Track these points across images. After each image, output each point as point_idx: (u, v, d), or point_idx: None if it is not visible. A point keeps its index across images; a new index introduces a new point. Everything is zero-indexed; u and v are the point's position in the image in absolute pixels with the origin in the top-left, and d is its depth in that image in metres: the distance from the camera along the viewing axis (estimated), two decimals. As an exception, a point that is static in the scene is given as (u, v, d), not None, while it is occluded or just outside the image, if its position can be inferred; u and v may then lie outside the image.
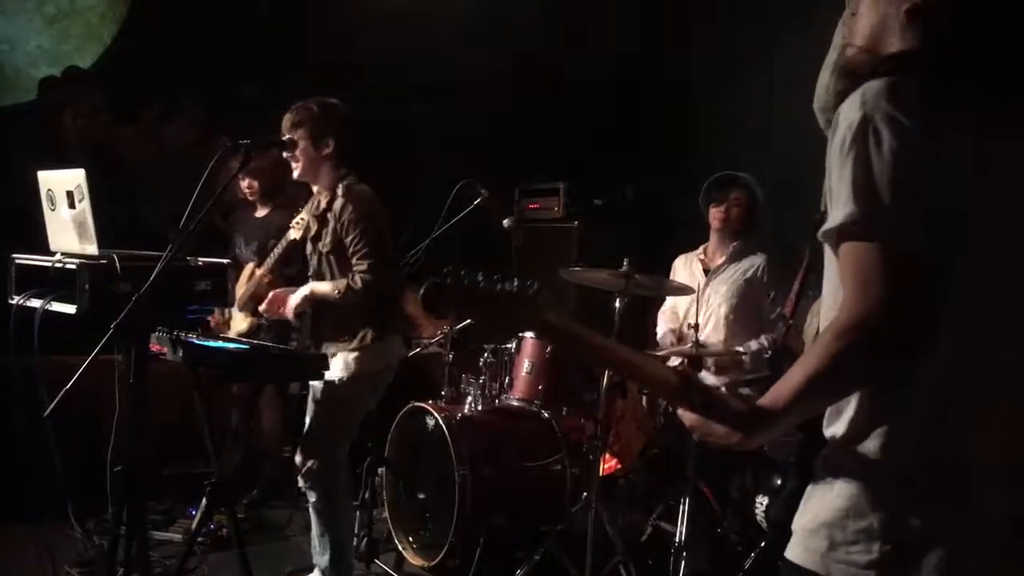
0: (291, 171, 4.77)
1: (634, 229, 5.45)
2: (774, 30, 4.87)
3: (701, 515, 3.42)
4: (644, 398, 3.60)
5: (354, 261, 3.14)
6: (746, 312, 3.92)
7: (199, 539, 3.30)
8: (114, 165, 5.05)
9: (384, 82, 5.31)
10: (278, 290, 3.42)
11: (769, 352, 3.77)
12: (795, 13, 4.56)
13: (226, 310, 4.16)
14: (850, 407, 1.30)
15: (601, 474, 3.37)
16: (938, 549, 1.23)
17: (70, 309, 2.51)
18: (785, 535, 1.38)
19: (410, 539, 3.82)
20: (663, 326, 4.14)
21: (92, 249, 2.57)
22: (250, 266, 4.12)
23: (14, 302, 2.69)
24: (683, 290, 3.79)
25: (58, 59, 5.76)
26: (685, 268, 4.13)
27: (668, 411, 3.62)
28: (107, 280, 2.48)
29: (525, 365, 3.98)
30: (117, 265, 2.48)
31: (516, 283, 1.42)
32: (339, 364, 3.18)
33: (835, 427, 1.33)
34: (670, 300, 4.20)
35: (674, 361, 3.87)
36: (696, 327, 3.51)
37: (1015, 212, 1.25)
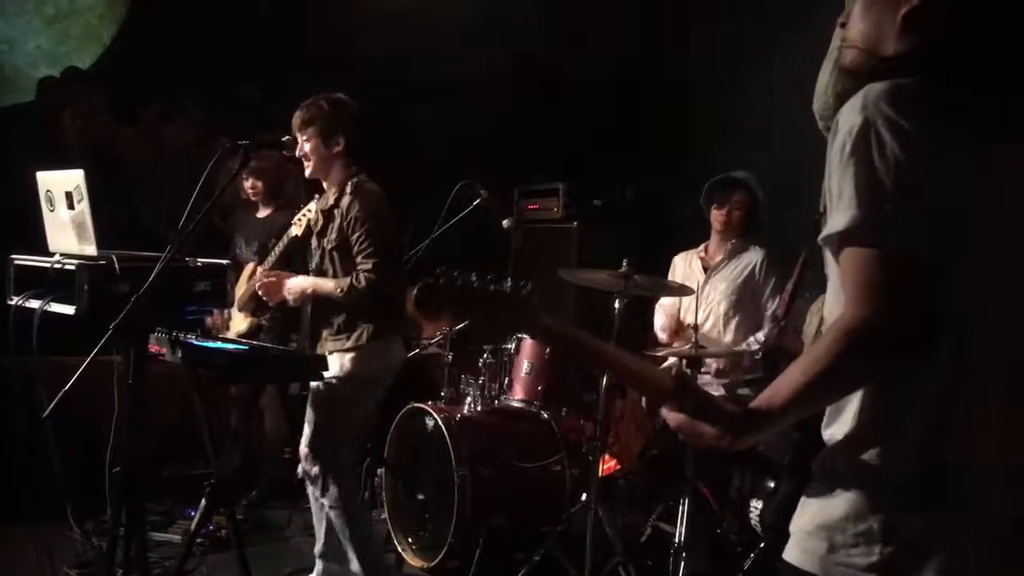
0: (293, 172, 4.79)
1: (634, 229, 5.45)
2: (774, 30, 4.87)
3: (700, 516, 3.41)
4: (644, 399, 3.59)
5: (359, 260, 3.12)
6: (745, 309, 3.93)
7: (198, 540, 3.30)
8: (113, 166, 5.05)
9: (384, 82, 5.30)
10: (277, 273, 3.38)
11: (759, 352, 3.78)
12: (795, 13, 4.55)
13: (225, 310, 4.16)
14: (850, 408, 1.30)
15: (600, 475, 3.37)
16: (939, 551, 1.22)
17: (69, 310, 2.51)
18: (782, 538, 1.38)
19: (409, 540, 3.81)
20: (659, 319, 4.14)
21: (91, 250, 2.57)
22: (250, 266, 4.12)
23: (13, 303, 2.69)
24: (682, 290, 3.80)
25: (57, 60, 5.75)
26: (685, 266, 4.14)
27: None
28: (106, 281, 2.47)
29: (524, 366, 3.98)
30: (116, 266, 2.48)
31: (509, 284, 1.42)
32: (336, 364, 3.17)
33: (834, 428, 1.33)
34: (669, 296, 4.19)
35: (672, 360, 3.87)
36: (696, 327, 3.51)
37: (1015, 214, 1.25)
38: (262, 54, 5.76)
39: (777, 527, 1.42)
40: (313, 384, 3.20)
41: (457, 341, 4.18)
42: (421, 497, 3.80)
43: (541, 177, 5.69)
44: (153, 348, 2.81)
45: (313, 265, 3.33)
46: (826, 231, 1.26)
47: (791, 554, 1.35)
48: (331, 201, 3.23)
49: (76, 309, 2.49)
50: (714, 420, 1.30)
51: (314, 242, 3.31)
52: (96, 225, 2.56)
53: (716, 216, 4.02)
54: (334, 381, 3.16)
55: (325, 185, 3.30)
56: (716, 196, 4.01)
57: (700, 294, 3.68)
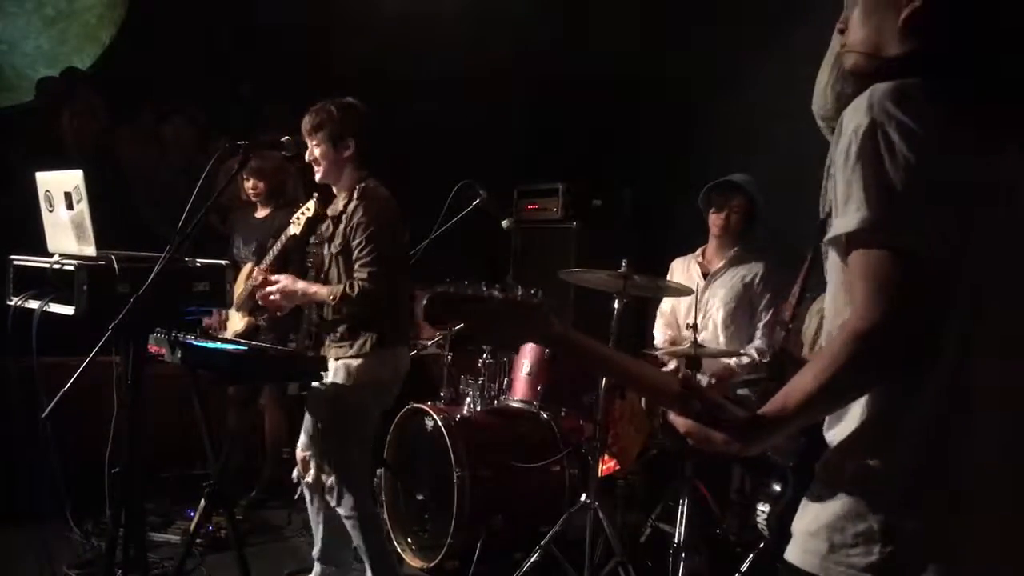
0: (292, 172, 4.78)
1: (633, 230, 5.45)
2: (774, 30, 4.86)
3: (700, 516, 3.41)
4: (643, 399, 3.59)
5: (356, 267, 3.08)
6: (742, 318, 3.93)
7: (197, 540, 3.30)
8: (112, 166, 5.04)
9: (383, 81, 5.30)
10: (274, 277, 3.35)
11: (763, 359, 3.77)
12: (795, 13, 4.55)
13: (223, 310, 4.16)
14: (851, 410, 1.30)
15: (600, 475, 3.37)
16: (939, 552, 1.22)
17: (68, 310, 2.50)
18: (787, 540, 1.38)
19: (409, 540, 3.82)
20: (660, 330, 4.14)
21: (90, 250, 2.57)
22: (248, 266, 4.12)
23: (12, 303, 2.68)
24: (681, 290, 3.79)
25: (56, 60, 5.75)
26: (683, 271, 4.13)
27: (667, 412, 3.61)
28: (105, 281, 2.47)
29: (524, 366, 3.99)
30: (115, 266, 2.48)
31: (520, 292, 1.41)
32: (342, 372, 3.13)
33: (836, 429, 1.33)
34: (669, 301, 4.19)
35: (672, 362, 3.87)
36: (695, 327, 3.51)
37: (1016, 214, 1.25)
38: (261, 54, 5.76)
39: (783, 530, 1.41)
40: (319, 391, 3.17)
41: (457, 341, 4.18)
42: (420, 497, 3.80)
43: (541, 177, 5.69)
44: (152, 348, 2.81)
45: (322, 271, 3.29)
46: (833, 232, 1.25)
47: (792, 554, 1.35)
48: (340, 207, 3.19)
49: (75, 309, 2.48)
50: (723, 425, 1.29)
51: (326, 248, 3.26)
52: (95, 225, 2.56)
53: (714, 220, 4.01)
54: (341, 390, 3.11)
55: (335, 190, 3.26)
56: (714, 200, 3.99)
57: (699, 300, 3.68)
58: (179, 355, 2.77)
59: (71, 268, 2.52)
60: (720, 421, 1.29)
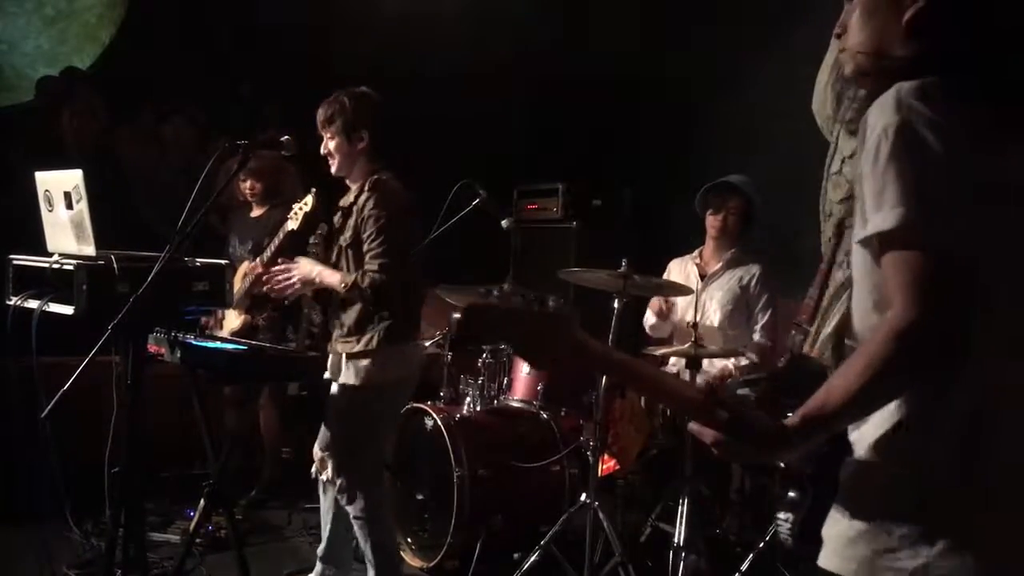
0: (290, 171, 4.77)
1: (633, 230, 5.45)
2: (774, 30, 4.86)
3: (699, 515, 3.41)
4: (643, 399, 3.59)
5: (367, 259, 3.01)
6: (740, 320, 3.93)
7: (197, 540, 3.30)
8: (112, 166, 5.04)
9: (383, 81, 5.30)
10: (298, 259, 3.25)
11: (761, 359, 3.77)
12: (794, 13, 4.55)
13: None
14: (881, 411, 1.28)
15: (600, 475, 3.37)
16: (987, 552, 1.22)
17: (68, 310, 2.50)
18: (813, 547, 1.36)
19: (409, 540, 3.81)
20: (650, 315, 4.12)
21: (90, 250, 2.56)
22: (244, 265, 4.12)
23: (12, 303, 2.68)
24: (680, 290, 3.80)
25: (56, 60, 5.75)
26: (680, 272, 4.12)
27: (666, 412, 3.61)
28: (105, 281, 2.47)
29: (524, 366, 3.99)
30: (115, 266, 2.48)
31: (551, 304, 1.39)
32: (351, 371, 3.09)
33: (864, 430, 1.32)
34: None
35: (673, 361, 3.87)
36: (695, 326, 3.51)
37: None
38: (261, 54, 5.76)
39: (805, 536, 1.39)
40: (332, 394, 3.15)
41: (456, 341, 4.17)
42: (420, 497, 3.80)
43: (540, 177, 5.69)
44: (152, 348, 2.81)
45: (332, 263, 3.24)
46: (868, 231, 1.24)
47: (830, 562, 1.33)
48: (351, 198, 3.14)
49: (75, 309, 2.48)
50: (753, 433, 1.27)
51: (334, 240, 3.21)
52: (95, 225, 2.56)
53: (711, 222, 4.01)
54: (350, 390, 3.08)
55: (349, 182, 3.20)
56: (711, 201, 4.00)
57: (696, 302, 3.68)
58: (179, 355, 2.77)
59: (70, 268, 2.52)
60: (751, 429, 1.27)
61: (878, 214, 1.22)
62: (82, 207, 2.58)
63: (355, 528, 3.15)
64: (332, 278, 3.09)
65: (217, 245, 4.42)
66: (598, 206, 5.46)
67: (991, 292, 1.22)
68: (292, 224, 3.32)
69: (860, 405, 1.24)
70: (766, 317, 3.89)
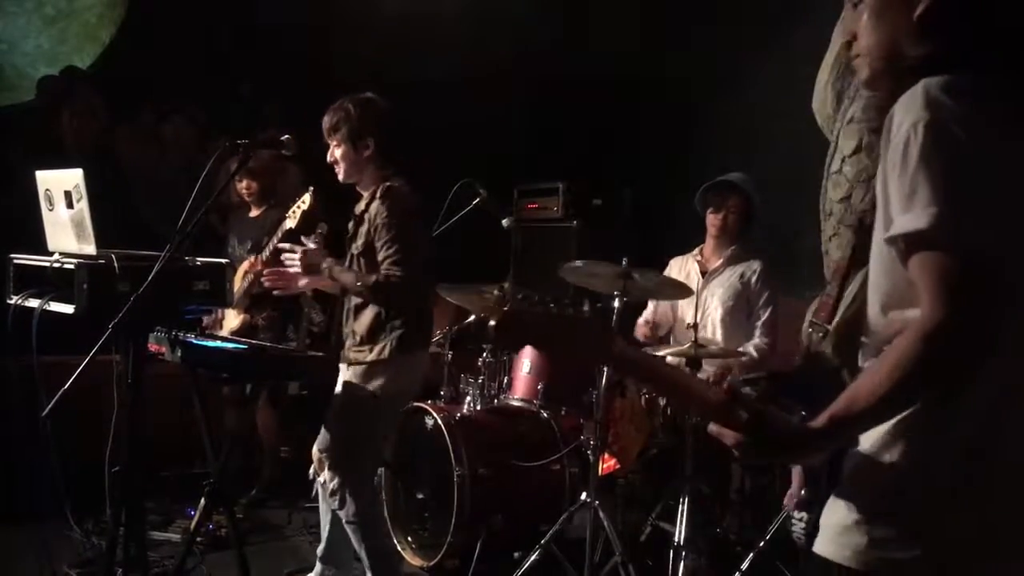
0: (290, 170, 4.77)
1: (633, 229, 5.46)
2: (774, 30, 4.87)
3: (700, 515, 3.41)
4: (643, 398, 3.59)
5: (385, 264, 2.97)
6: (740, 316, 3.93)
7: (198, 539, 3.30)
8: (112, 165, 5.05)
9: (383, 82, 5.30)
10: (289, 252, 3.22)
11: (762, 357, 3.77)
12: (794, 14, 4.55)
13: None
14: None
15: (600, 474, 3.37)
16: (984, 548, 1.23)
17: (68, 309, 2.51)
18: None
19: (409, 539, 3.81)
20: (642, 319, 4.13)
21: (90, 249, 2.57)
22: (244, 264, 4.12)
23: (12, 302, 2.68)
24: (679, 292, 3.80)
25: (56, 59, 5.75)
26: (680, 270, 4.13)
27: (667, 411, 3.62)
28: (105, 280, 2.47)
29: (524, 365, 3.99)
30: (115, 265, 2.48)
31: (587, 310, 1.39)
32: (361, 379, 3.07)
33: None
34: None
35: (671, 360, 3.87)
36: (695, 327, 3.51)
37: None
38: (261, 54, 5.76)
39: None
40: (336, 393, 3.15)
41: (457, 340, 4.18)
42: (420, 496, 3.80)
43: (541, 176, 5.69)
44: (153, 347, 2.81)
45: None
46: (897, 230, 1.22)
47: (825, 548, 1.33)
48: (362, 207, 3.12)
49: (75, 308, 2.48)
50: (775, 434, 1.26)
51: (346, 248, 3.20)
52: (95, 224, 2.56)
53: (711, 220, 4.02)
54: (355, 392, 3.06)
55: (360, 189, 3.18)
56: (711, 200, 4.00)
57: (697, 299, 3.69)
58: (179, 354, 2.77)
59: (71, 267, 2.52)
60: (773, 431, 1.26)
61: (908, 214, 1.20)
62: (83, 206, 2.58)
63: (348, 531, 3.15)
64: (346, 276, 3.06)
65: (217, 245, 4.42)
66: (598, 205, 5.46)
67: (1017, 290, 1.21)
68: (290, 223, 3.32)
69: (887, 407, 1.23)
70: (767, 314, 3.88)
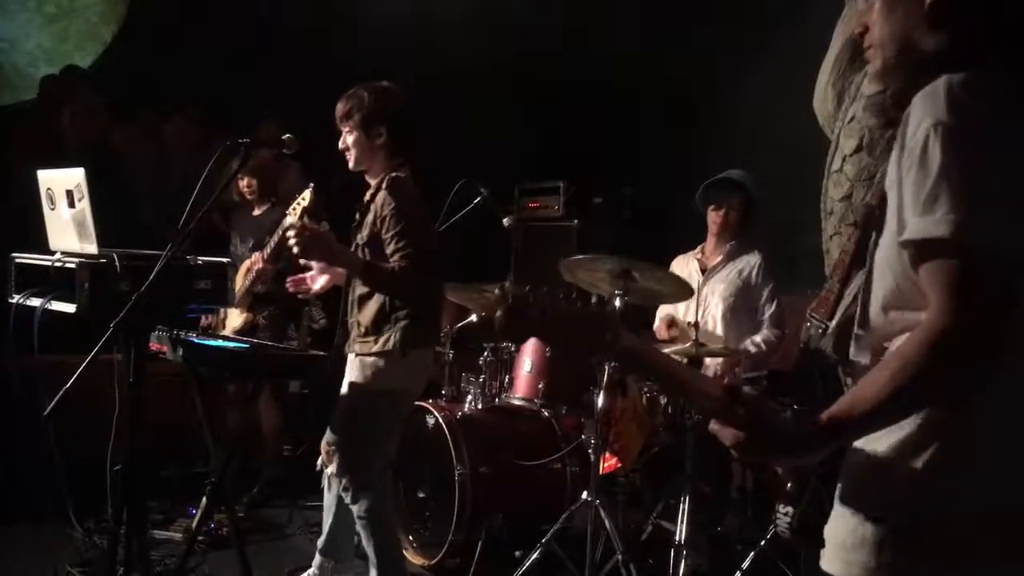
0: (287, 170, 4.77)
1: (633, 228, 5.46)
2: (774, 30, 4.87)
3: (701, 513, 3.42)
4: (644, 397, 3.60)
5: (394, 257, 2.93)
6: (742, 311, 3.93)
7: (199, 538, 3.30)
8: (112, 164, 5.05)
9: (383, 80, 5.31)
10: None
11: (770, 350, 3.77)
12: (794, 14, 4.56)
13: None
14: None
15: (601, 473, 3.37)
16: (1000, 563, 1.20)
17: (70, 308, 2.50)
18: (813, 543, 1.35)
19: (410, 538, 3.82)
20: (659, 318, 4.15)
21: (92, 248, 2.57)
22: (246, 263, 4.13)
23: (14, 301, 2.69)
24: (680, 286, 3.80)
25: (58, 58, 5.76)
26: (682, 268, 4.14)
27: (668, 410, 3.62)
28: (107, 279, 2.47)
29: (525, 364, 3.99)
30: (117, 264, 2.48)
31: (594, 303, 1.36)
32: (360, 372, 3.05)
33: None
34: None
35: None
36: (696, 325, 3.51)
37: None
38: (261, 54, 5.76)
39: (805, 531, 1.38)
40: (342, 395, 3.14)
41: (458, 339, 4.18)
42: (422, 495, 3.80)
43: (541, 175, 5.70)
44: (154, 346, 2.81)
45: None
46: (917, 234, 1.18)
47: (833, 566, 1.31)
48: (367, 197, 3.09)
49: (77, 307, 2.48)
50: (775, 434, 1.25)
51: (351, 237, 3.16)
52: (97, 223, 2.56)
53: (712, 218, 4.03)
54: (361, 389, 3.05)
55: (368, 178, 3.15)
56: (712, 197, 4.01)
57: (698, 296, 3.69)
58: (181, 353, 2.77)
59: (73, 266, 2.52)
60: (773, 430, 1.25)
61: (926, 219, 1.17)
62: (84, 205, 2.58)
63: (359, 527, 3.14)
64: (356, 261, 2.99)
65: (222, 244, 4.43)
66: (599, 204, 5.47)
67: None
68: (291, 220, 3.31)
69: (890, 412, 1.21)
70: (773, 307, 3.88)
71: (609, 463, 3.52)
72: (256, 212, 4.46)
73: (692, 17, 5.38)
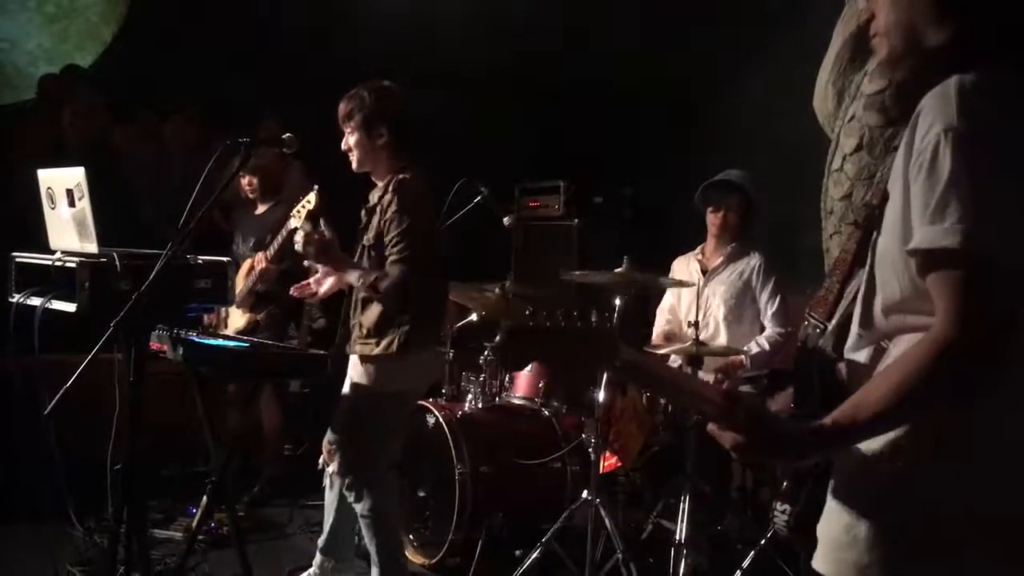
0: (294, 167, 4.77)
1: (633, 227, 5.47)
2: (774, 30, 4.87)
3: (701, 513, 3.42)
4: (644, 396, 3.60)
5: (389, 262, 2.94)
6: (743, 313, 3.93)
7: (199, 537, 3.30)
8: (112, 164, 5.05)
9: (383, 79, 5.31)
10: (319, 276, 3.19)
11: (773, 350, 3.77)
12: (795, 13, 4.56)
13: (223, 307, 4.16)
14: None
15: (601, 472, 3.37)
16: (992, 566, 1.19)
17: (70, 307, 2.50)
18: (808, 541, 1.35)
19: (410, 537, 3.81)
20: (659, 327, 4.15)
21: (92, 247, 2.57)
22: (248, 262, 4.13)
23: (14, 300, 2.69)
24: (680, 284, 3.81)
25: (58, 58, 5.77)
26: (683, 269, 4.14)
27: (668, 409, 3.62)
28: (107, 278, 2.47)
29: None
30: (117, 263, 2.48)
31: (594, 319, 1.36)
32: (363, 373, 3.05)
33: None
34: (669, 299, 4.20)
35: (675, 360, 3.88)
36: (696, 325, 3.51)
37: None
38: (262, 54, 5.77)
39: (802, 529, 1.38)
40: (344, 391, 3.14)
41: (458, 338, 4.18)
42: (422, 494, 3.80)
43: (542, 175, 5.70)
44: (154, 346, 2.81)
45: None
46: (924, 244, 1.17)
47: (824, 565, 1.31)
48: (374, 199, 3.08)
49: (77, 307, 2.48)
50: (775, 436, 1.25)
51: (358, 238, 3.17)
52: (97, 223, 2.56)
53: (712, 219, 4.03)
54: (364, 390, 3.05)
55: (374, 178, 3.14)
56: (711, 198, 4.01)
57: (699, 297, 3.69)
58: (181, 352, 2.77)
59: (73, 265, 2.52)
60: (771, 432, 1.25)
61: (935, 227, 1.15)
62: (84, 204, 2.58)
63: (361, 526, 3.14)
64: (350, 276, 3.02)
65: (224, 242, 4.43)
66: (599, 203, 5.48)
67: None
68: (295, 222, 3.31)
69: (893, 419, 1.21)
70: (775, 305, 3.87)
71: (609, 462, 3.52)
72: (259, 210, 4.45)
73: (692, 17, 5.38)
